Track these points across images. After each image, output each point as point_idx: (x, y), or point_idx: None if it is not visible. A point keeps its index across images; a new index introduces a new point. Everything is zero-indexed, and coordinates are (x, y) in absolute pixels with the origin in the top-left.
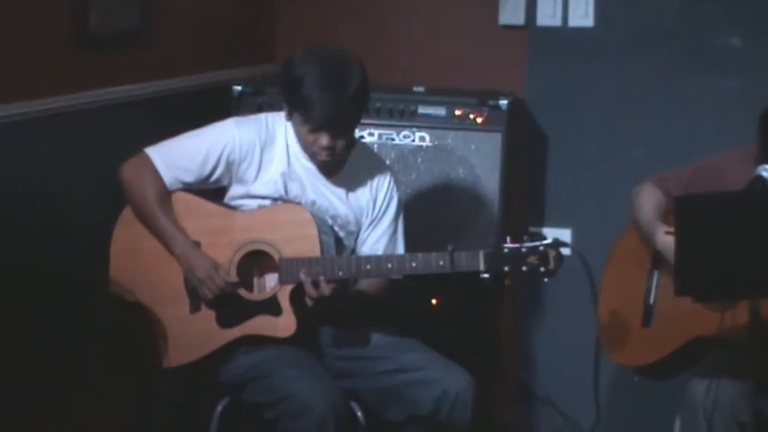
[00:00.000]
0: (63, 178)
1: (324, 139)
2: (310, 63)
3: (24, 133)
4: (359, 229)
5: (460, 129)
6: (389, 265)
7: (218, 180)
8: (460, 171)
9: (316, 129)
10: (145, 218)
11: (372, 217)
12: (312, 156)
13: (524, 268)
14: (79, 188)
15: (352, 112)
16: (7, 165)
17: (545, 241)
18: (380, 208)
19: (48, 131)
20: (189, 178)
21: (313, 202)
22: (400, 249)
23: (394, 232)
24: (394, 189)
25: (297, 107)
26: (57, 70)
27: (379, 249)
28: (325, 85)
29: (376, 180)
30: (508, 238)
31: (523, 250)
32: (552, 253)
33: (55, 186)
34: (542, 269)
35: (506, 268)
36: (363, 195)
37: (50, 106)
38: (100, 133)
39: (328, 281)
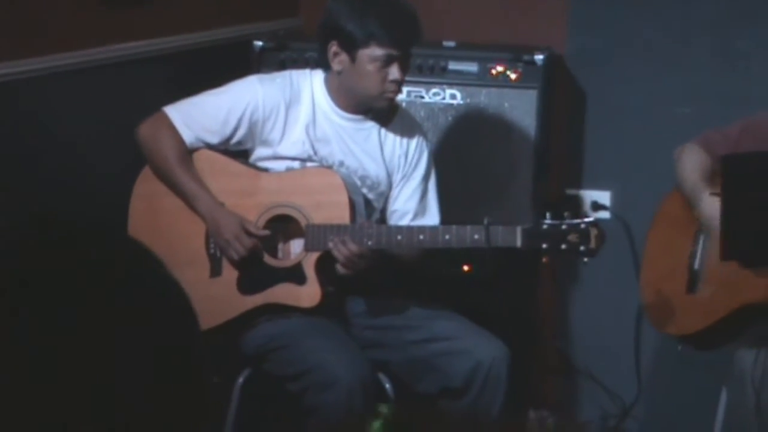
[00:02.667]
0: (83, 133)
1: (395, 71)
2: None
3: (42, 89)
4: (390, 189)
5: (493, 86)
6: (421, 237)
7: (241, 141)
8: (494, 130)
9: (390, 58)
10: (166, 178)
11: (403, 173)
12: (376, 100)
13: (563, 246)
14: (98, 145)
15: (420, 33)
16: (26, 120)
17: (587, 219)
18: (411, 162)
19: (66, 87)
20: (211, 138)
21: (341, 162)
22: (434, 212)
23: (425, 191)
24: (425, 146)
25: (368, 37)
26: (75, 24)
27: (410, 209)
28: (392, 4)
29: (407, 136)
30: (548, 214)
31: (563, 227)
32: (594, 232)
33: (74, 142)
34: (582, 248)
35: (544, 246)
36: (395, 150)
37: (68, 62)
38: (118, 89)
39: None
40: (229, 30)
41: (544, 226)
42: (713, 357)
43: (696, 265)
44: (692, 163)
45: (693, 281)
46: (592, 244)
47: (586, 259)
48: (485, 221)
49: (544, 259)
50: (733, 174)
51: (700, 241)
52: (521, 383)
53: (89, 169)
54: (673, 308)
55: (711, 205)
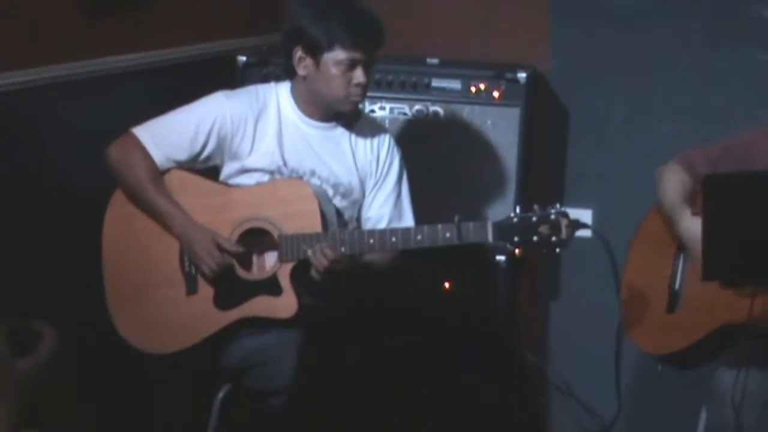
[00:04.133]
0: (62, 148)
1: (359, 74)
2: None
3: (24, 102)
4: (363, 196)
5: (476, 103)
6: (393, 239)
7: (210, 157)
8: (476, 147)
9: (355, 61)
10: (138, 199)
11: (376, 178)
12: (341, 103)
13: (535, 239)
14: (82, 158)
15: (383, 37)
16: (8, 133)
17: (556, 210)
18: (383, 167)
19: (50, 100)
20: (180, 155)
21: (312, 172)
22: (408, 216)
23: (399, 195)
24: (395, 149)
25: (333, 40)
26: (54, 37)
27: (385, 214)
28: (354, 7)
29: (376, 140)
30: (518, 208)
31: (534, 219)
32: (564, 222)
33: (57, 156)
34: (554, 239)
35: (516, 239)
36: (365, 156)
37: (48, 75)
38: (102, 103)
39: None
40: (213, 45)
41: (515, 220)
42: (693, 376)
43: (676, 285)
44: (673, 182)
45: (673, 300)
46: (564, 234)
47: (558, 250)
48: (456, 218)
49: (517, 251)
50: (713, 194)
51: (681, 261)
52: None
53: (72, 182)
54: (653, 327)
55: (692, 225)
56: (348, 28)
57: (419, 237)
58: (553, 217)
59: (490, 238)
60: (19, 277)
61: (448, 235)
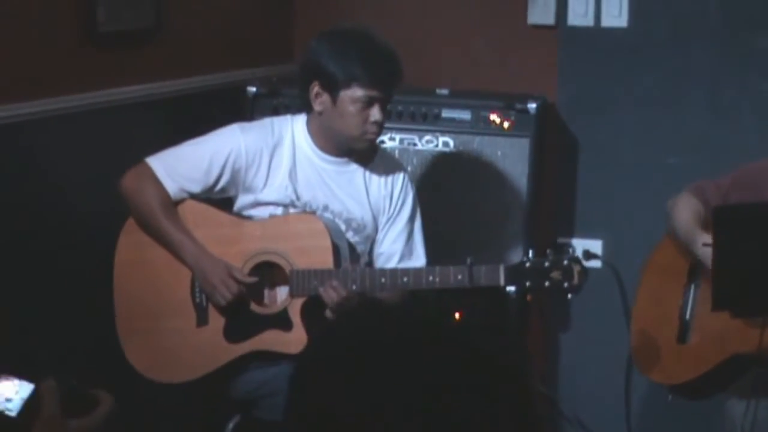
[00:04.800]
0: (71, 180)
1: (376, 112)
2: (344, 35)
3: (30, 134)
4: (376, 231)
5: (485, 134)
6: (405, 279)
7: (224, 189)
8: (486, 178)
9: (372, 100)
10: (150, 229)
11: (388, 215)
12: (357, 141)
13: (547, 284)
14: (86, 191)
15: (401, 75)
16: (12, 165)
17: (569, 256)
18: (396, 203)
19: (55, 132)
20: (194, 187)
21: (326, 207)
22: (420, 254)
23: (411, 233)
24: (409, 186)
25: (349, 79)
26: (63, 69)
27: (396, 251)
28: (373, 45)
29: (391, 176)
30: (530, 252)
31: (546, 264)
32: (576, 268)
33: (62, 188)
34: (566, 285)
35: (528, 283)
36: (379, 192)
37: (56, 107)
38: (109, 135)
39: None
40: (223, 75)
41: (527, 264)
42: (704, 406)
43: (687, 315)
44: (687, 210)
45: (684, 330)
46: (576, 281)
47: (569, 296)
48: (468, 261)
49: (528, 297)
50: (723, 225)
51: (691, 291)
52: None
53: (80, 214)
54: (663, 357)
55: (705, 254)
56: (366, 66)
57: (431, 278)
58: (565, 263)
59: (502, 281)
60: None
61: (459, 277)
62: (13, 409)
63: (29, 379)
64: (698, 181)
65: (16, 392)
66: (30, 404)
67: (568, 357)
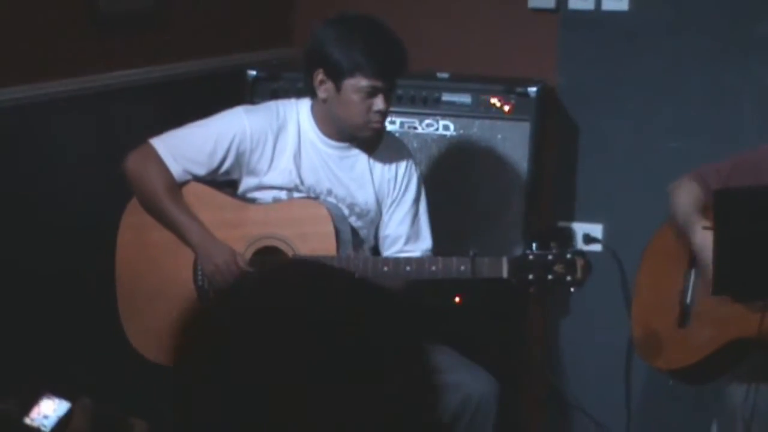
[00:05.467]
0: (73, 162)
1: (380, 102)
2: (349, 23)
3: (32, 117)
4: (380, 216)
5: (486, 117)
6: (408, 268)
7: (228, 172)
8: (486, 162)
9: (375, 89)
10: (154, 210)
11: (393, 197)
12: (360, 129)
13: (550, 277)
14: (88, 173)
15: (406, 65)
16: (14, 148)
17: (573, 249)
18: (400, 186)
19: (55, 115)
20: (198, 170)
21: (329, 191)
22: (426, 236)
23: (416, 214)
24: (414, 169)
25: (353, 68)
26: (64, 52)
27: (402, 233)
28: (379, 35)
29: (395, 160)
30: (534, 245)
31: (550, 257)
32: (580, 262)
33: (64, 171)
34: (569, 278)
35: (530, 276)
36: (383, 176)
37: (57, 90)
38: (109, 118)
39: None
40: (223, 59)
41: (530, 257)
42: (704, 391)
43: (687, 300)
44: (686, 195)
45: (684, 315)
46: (579, 275)
47: (572, 289)
48: (471, 253)
49: (530, 290)
50: (724, 209)
51: (692, 276)
52: (510, 415)
53: (80, 197)
54: (663, 342)
55: (704, 238)
56: (371, 56)
57: (434, 268)
58: (569, 256)
59: (505, 274)
60: (22, 289)
61: (462, 268)
62: (47, 425)
63: (69, 398)
64: (699, 167)
65: (54, 410)
66: (63, 421)
67: (568, 342)
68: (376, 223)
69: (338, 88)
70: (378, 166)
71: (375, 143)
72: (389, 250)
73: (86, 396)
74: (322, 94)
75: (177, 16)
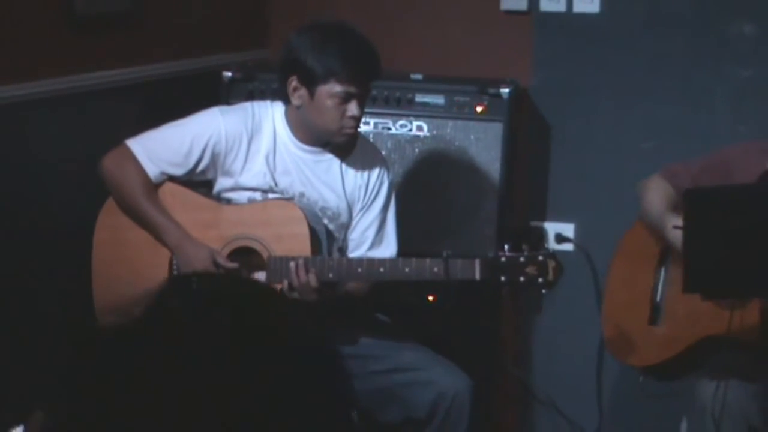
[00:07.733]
0: (47, 163)
1: (353, 107)
2: (323, 30)
3: (8, 118)
4: (351, 220)
5: (459, 118)
6: (381, 269)
7: (203, 172)
8: (459, 162)
9: (349, 95)
10: (132, 211)
11: (363, 203)
12: (334, 135)
13: (522, 279)
14: (64, 174)
15: (380, 70)
16: None
17: (545, 251)
18: (371, 192)
19: (32, 116)
20: (174, 170)
21: (302, 194)
22: (391, 243)
23: (383, 222)
24: (386, 176)
25: (327, 74)
26: (40, 53)
27: (368, 238)
28: (352, 40)
29: (368, 166)
30: (506, 246)
31: (521, 259)
32: (551, 264)
33: (39, 172)
34: (540, 280)
35: (503, 278)
36: (355, 182)
37: (33, 91)
38: (86, 119)
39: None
40: (199, 60)
41: (503, 259)
42: (674, 387)
43: (658, 298)
44: (657, 194)
45: (655, 313)
46: (550, 276)
47: (544, 291)
48: (444, 254)
49: (503, 291)
50: (694, 208)
51: (662, 274)
52: (483, 413)
53: (55, 198)
54: (634, 340)
55: (675, 237)
56: (344, 62)
57: (407, 269)
58: (540, 258)
59: (478, 276)
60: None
61: (435, 270)
62: None
63: (22, 419)
64: (669, 165)
65: None
66: None
67: (540, 339)
68: (346, 227)
69: (312, 94)
70: (350, 172)
71: (349, 148)
72: (353, 253)
73: (39, 409)
74: (296, 101)
75: (153, 18)
